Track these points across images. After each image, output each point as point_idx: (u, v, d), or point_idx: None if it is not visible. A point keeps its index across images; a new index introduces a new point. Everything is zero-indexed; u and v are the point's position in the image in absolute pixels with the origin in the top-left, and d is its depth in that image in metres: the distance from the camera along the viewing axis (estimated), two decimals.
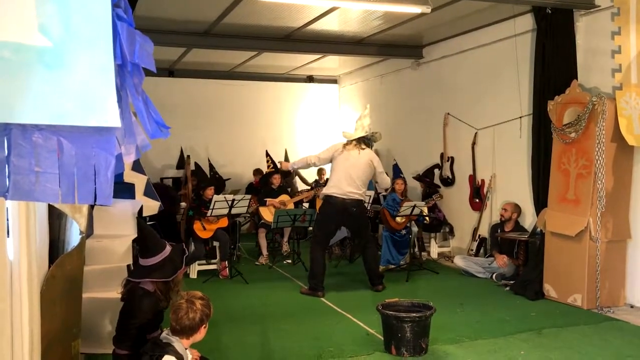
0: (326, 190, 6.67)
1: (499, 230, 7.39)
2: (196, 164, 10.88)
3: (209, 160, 11.24)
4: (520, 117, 7.51)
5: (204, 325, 3.20)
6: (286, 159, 10.92)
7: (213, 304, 3.32)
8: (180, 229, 7.99)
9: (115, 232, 4.64)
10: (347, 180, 6.51)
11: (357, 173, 6.56)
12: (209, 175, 10.84)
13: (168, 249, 3.73)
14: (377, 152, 11.11)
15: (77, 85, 1.32)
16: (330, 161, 6.78)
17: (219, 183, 10.52)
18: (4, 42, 1.27)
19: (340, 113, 12.82)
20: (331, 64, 11.38)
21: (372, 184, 10.05)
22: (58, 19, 1.30)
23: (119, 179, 3.92)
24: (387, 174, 9.90)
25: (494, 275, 7.19)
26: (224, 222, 7.72)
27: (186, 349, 3.19)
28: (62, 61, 1.31)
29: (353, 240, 8.29)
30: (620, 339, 5.01)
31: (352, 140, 6.64)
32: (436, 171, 9.27)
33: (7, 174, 1.36)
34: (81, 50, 1.32)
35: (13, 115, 1.29)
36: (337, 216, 6.65)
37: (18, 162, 1.36)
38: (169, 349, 3.07)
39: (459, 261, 7.75)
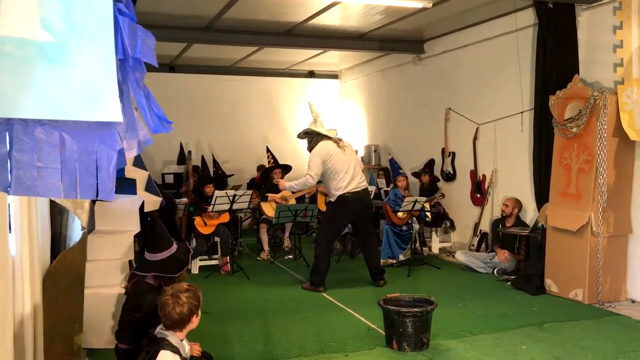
0: (339, 192, 6.50)
1: (500, 226, 7.39)
2: (202, 159, 10.87)
3: (212, 156, 11.23)
4: (522, 112, 7.49)
5: (196, 315, 3.21)
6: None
7: (215, 299, 3.33)
8: (178, 226, 7.98)
9: (117, 227, 4.63)
10: (353, 174, 6.55)
11: (355, 164, 6.65)
12: (211, 172, 10.82)
13: (175, 246, 3.78)
14: (376, 148, 11.18)
15: (79, 80, 1.32)
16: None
17: (221, 179, 10.51)
18: (7, 37, 1.27)
19: (342, 108, 12.81)
20: (332, 59, 11.36)
21: (372, 179, 10.09)
22: (60, 14, 1.30)
23: (120, 174, 3.93)
24: (388, 169, 10.01)
25: (495, 271, 7.19)
26: (225, 218, 7.72)
27: (182, 340, 3.20)
28: (64, 56, 1.31)
29: (354, 235, 8.29)
30: (622, 334, 5.01)
31: (336, 138, 6.65)
32: (435, 166, 9.27)
33: (9, 169, 1.36)
34: (83, 45, 1.32)
35: (15, 111, 1.29)
36: (354, 212, 6.64)
37: (20, 157, 1.36)
38: (163, 343, 3.09)
39: (460, 256, 7.74)
